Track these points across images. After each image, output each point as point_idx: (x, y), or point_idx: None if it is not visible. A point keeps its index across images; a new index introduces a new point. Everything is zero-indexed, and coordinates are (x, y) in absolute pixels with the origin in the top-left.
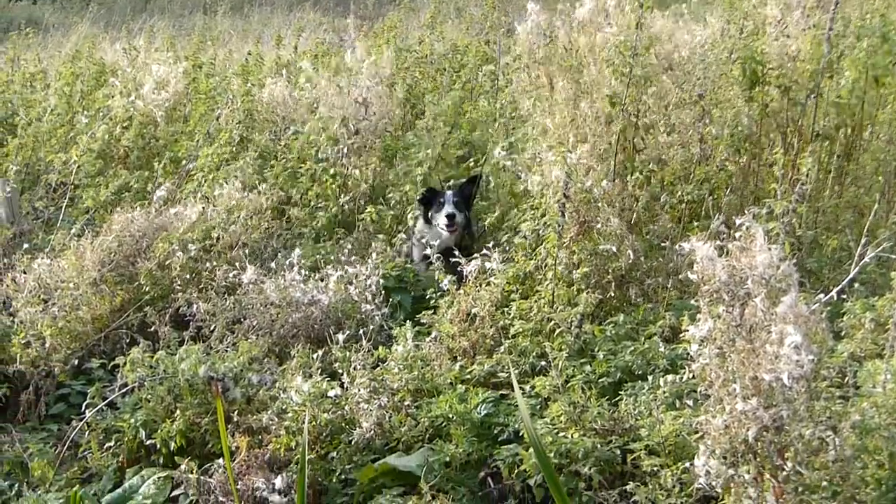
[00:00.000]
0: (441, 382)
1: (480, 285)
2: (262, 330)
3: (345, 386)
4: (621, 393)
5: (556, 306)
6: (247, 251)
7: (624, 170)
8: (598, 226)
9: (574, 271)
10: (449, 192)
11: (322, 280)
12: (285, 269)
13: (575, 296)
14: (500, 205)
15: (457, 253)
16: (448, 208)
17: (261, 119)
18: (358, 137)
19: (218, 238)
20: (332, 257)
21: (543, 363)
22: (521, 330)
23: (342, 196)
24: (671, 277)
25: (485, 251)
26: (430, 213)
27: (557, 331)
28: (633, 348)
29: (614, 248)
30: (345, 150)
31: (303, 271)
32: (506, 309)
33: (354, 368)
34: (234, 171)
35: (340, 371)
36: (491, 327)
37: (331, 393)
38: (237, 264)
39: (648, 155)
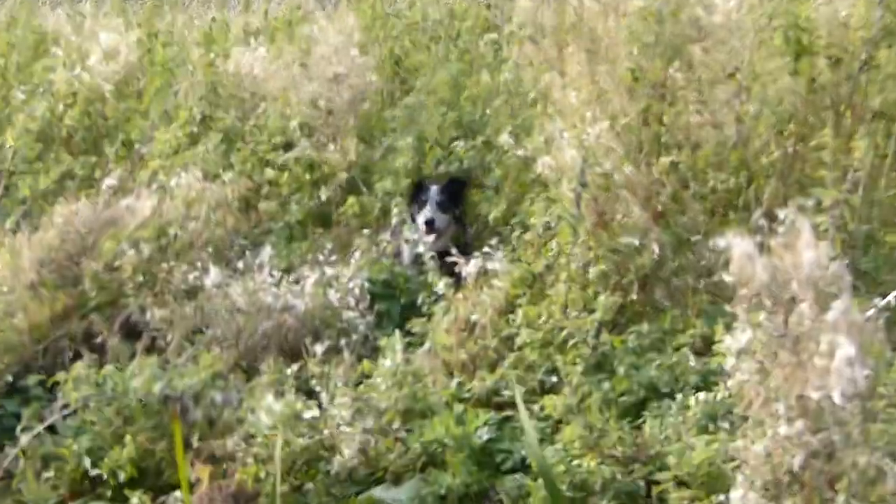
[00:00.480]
0: (435, 402)
1: (481, 289)
2: (227, 341)
3: (323, 406)
4: (645, 414)
5: (569, 312)
6: (210, 250)
7: (649, 153)
8: (619, 217)
9: (590, 269)
10: (433, 189)
11: (297, 283)
12: (254, 270)
13: (591, 300)
14: (507, 196)
15: (454, 252)
16: (427, 212)
17: (226, 95)
18: (332, 118)
19: (176, 235)
20: (309, 257)
21: (554, 379)
22: (528, 340)
23: (319, 186)
24: (703, 278)
25: (487, 249)
26: (412, 212)
27: (571, 342)
28: (658, 362)
29: (636, 242)
30: (318, 135)
31: (275, 273)
32: (511, 316)
33: (335, 385)
34: (195, 157)
35: (318, 389)
36: (493, 337)
37: (307, 414)
38: (198, 265)
39: (677, 137)
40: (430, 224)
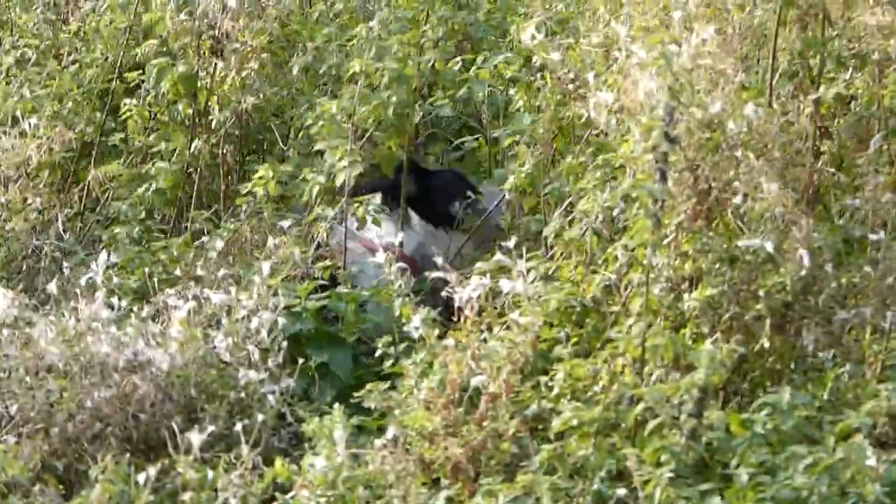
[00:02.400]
0: None
1: (489, 329)
2: (28, 424)
3: None
4: None
5: (647, 371)
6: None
7: (792, 81)
8: (737, 200)
9: (685, 295)
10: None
11: (157, 319)
12: (79, 294)
13: (688, 349)
14: (534, 155)
15: (441, 264)
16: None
17: None
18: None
19: None
20: (181, 268)
21: (623, 492)
22: (574, 423)
23: (199, 135)
24: (890, 309)
25: (499, 254)
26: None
27: (652, 424)
28: (810, 461)
29: (770, 247)
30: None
31: (117, 300)
32: (543, 379)
33: None
34: None
35: None
36: (511, 418)
37: None
38: None
39: (841, 49)
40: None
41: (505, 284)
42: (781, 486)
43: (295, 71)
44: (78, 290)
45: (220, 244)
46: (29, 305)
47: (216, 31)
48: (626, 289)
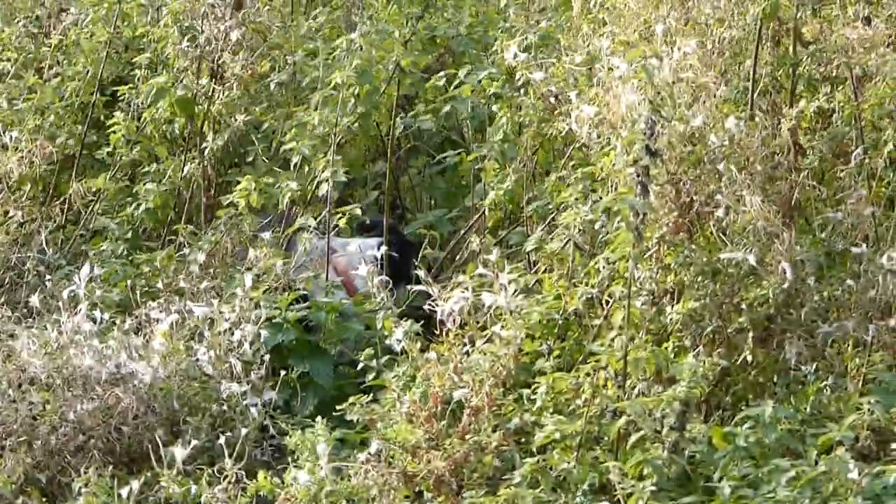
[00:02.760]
0: None
1: (472, 343)
2: (11, 437)
3: None
4: None
5: (630, 385)
6: None
7: (773, 94)
8: (719, 213)
9: (668, 308)
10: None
11: (140, 332)
12: (62, 308)
13: (670, 362)
14: (517, 170)
15: (423, 277)
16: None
17: None
18: (209, 22)
19: None
20: (163, 281)
21: None
22: (556, 436)
23: (187, 150)
24: (872, 322)
25: (480, 267)
26: None
27: (634, 437)
28: (792, 474)
29: (752, 259)
30: (191, 56)
31: (100, 313)
32: (526, 392)
33: None
34: None
35: None
36: (494, 431)
37: None
38: None
39: (822, 64)
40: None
41: (487, 298)
42: (764, 500)
43: (272, 87)
44: (61, 303)
45: (201, 257)
46: (11, 318)
47: (216, 57)
48: (607, 302)
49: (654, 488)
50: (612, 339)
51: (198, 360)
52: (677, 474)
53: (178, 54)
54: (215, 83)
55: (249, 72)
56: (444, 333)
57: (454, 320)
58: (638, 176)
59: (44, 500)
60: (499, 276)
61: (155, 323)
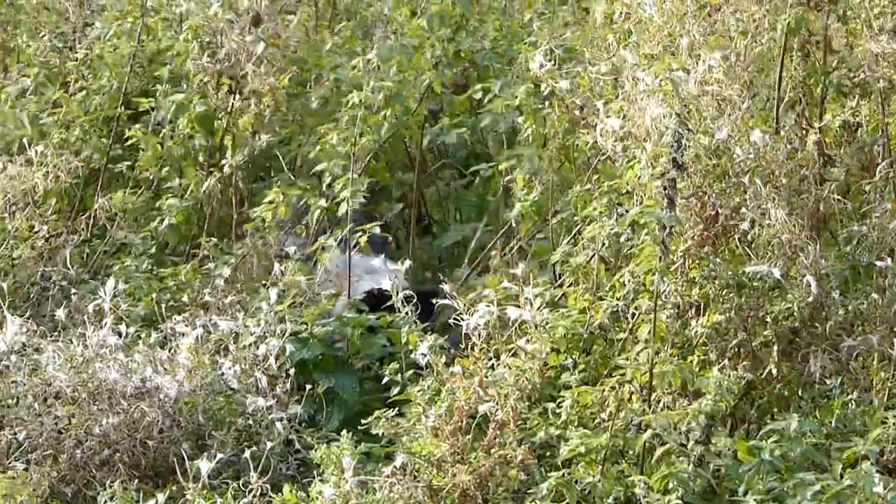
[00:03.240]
0: None
1: (496, 356)
2: (37, 451)
3: None
4: None
5: (654, 398)
6: (3, 286)
7: (796, 109)
8: (744, 226)
9: (692, 322)
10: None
11: (165, 346)
12: (87, 322)
13: (696, 376)
14: (542, 181)
15: (446, 291)
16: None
17: (32, 12)
18: (234, 39)
19: None
20: (189, 296)
21: None
22: (580, 450)
23: (213, 165)
24: None
25: (505, 281)
26: None
27: (659, 451)
28: (817, 488)
29: (777, 273)
30: (211, 71)
31: (125, 327)
32: (551, 406)
33: None
34: None
35: None
36: (519, 444)
37: None
38: None
39: (848, 76)
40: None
41: (512, 312)
42: None
43: (314, 105)
44: (86, 317)
45: (227, 271)
46: (37, 332)
47: (237, 73)
48: (633, 315)
49: (679, 502)
50: (638, 353)
51: (223, 374)
52: (703, 488)
53: (198, 69)
54: (234, 98)
55: (268, 87)
56: (469, 347)
57: (479, 334)
58: (665, 189)
59: None
60: (524, 289)
61: (180, 337)
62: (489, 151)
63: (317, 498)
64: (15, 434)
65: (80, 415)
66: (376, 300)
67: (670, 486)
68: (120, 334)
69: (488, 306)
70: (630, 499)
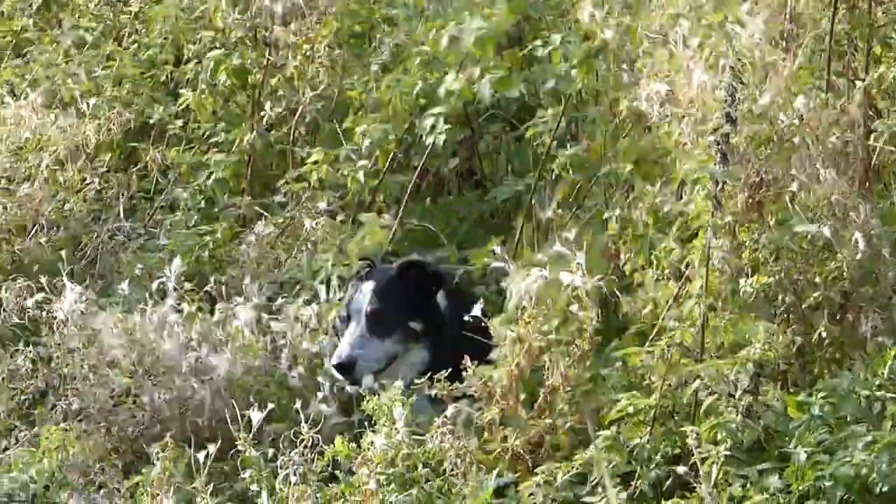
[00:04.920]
0: None
1: (547, 320)
2: (90, 419)
3: None
4: None
5: (708, 343)
6: (58, 238)
7: (845, 61)
8: (793, 187)
9: (740, 282)
10: (367, 286)
11: (222, 324)
12: (151, 289)
13: (746, 329)
14: (593, 136)
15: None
16: (346, 341)
17: None
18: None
19: None
20: (227, 253)
21: (681, 469)
22: (630, 410)
23: (256, 128)
24: None
25: (558, 244)
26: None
27: (709, 399)
28: (869, 438)
29: (828, 232)
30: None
31: (184, 303)
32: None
33: (285, 482)
34: (27, 70)
35: (255, 487)
36: (570, 407)
37: None
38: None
39: (889, 31)
40: (341, 367)
41: (564, 277)
42: (840, 464)
43: (373, 68)
44: (149, 285)
45: (266, 229)
46: (97, 301)
47: (271, 27)
48: (683, 276)
49: (728, 453)
50: (690, 309)
51: (277, 356)
52: (752, 441)
53: (232, 25)
54: (269, 54)
55: (304, 38)
56: (520, 312)
57: (531, 298)
58: (718, 144)
59: (120, 469)
60: (576, 255)
61: (232, 314)
62: (542, 104)
63: (368, 448)
64: (69, 403)
65: (134, 387)
66: None
67: (719, 437)
68: (180, 311)
69: (540, 270)
70: (678, 456)
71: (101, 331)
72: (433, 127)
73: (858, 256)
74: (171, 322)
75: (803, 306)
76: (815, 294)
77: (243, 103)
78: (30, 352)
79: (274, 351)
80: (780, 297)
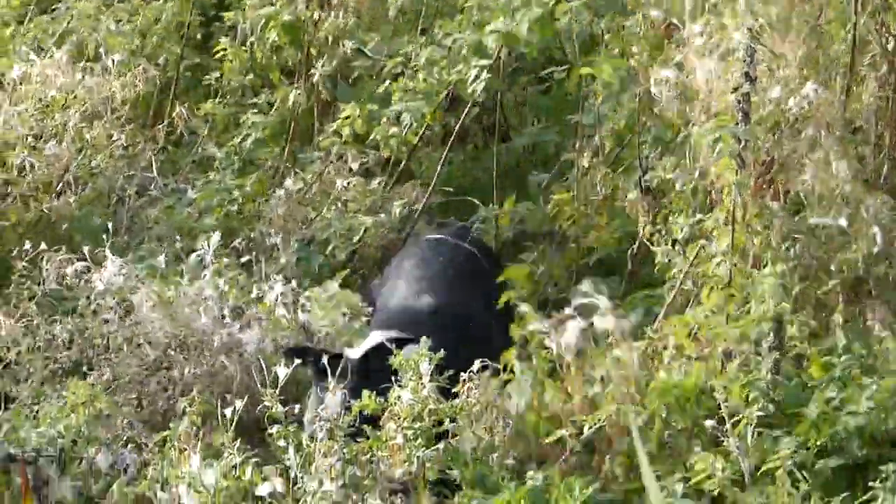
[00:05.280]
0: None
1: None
2: (121, 389)
3: (294, 475)
4: (874, 487)
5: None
6: (85, 196)
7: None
8: (806, 178)
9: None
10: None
11: (245, 289)
12: (186, 259)
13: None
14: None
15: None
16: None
17: None
18: None
19: (22, 170)
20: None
21: (710, 422)
22: (669, 385)
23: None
24: None
25: (586, 285)
26: None
27: (736, 361)
28: (877, 387)
29: (844, 222)
30: None
31: (209, 262)
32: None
33: (311, 438)
34: (54, 26)
35: (282, 442)
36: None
37: (262, 489)
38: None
39: None
40: None
41: (599, 322)
42: (852, 417)
43: (391, 13)
44: (182, 253)
45: (294, 185)
46: (138, 276)
47: None
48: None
49: (761, 413)
50: (717, 265)
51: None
52: (771, 404)
53: None
54: (322, 9)
55: None
56: (563, 368)
57: (571, 352)
58: (739, 103)
59: (149, 427)
60: (601, 299)
61: (263, 290)
62: (567, 57)
63: (395, 402)
64: (101, 375)
65: (166, 361)
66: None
67: (751, 396)
68: (216, 287)
69: (577, 320)
70: (704, 420)
71: (137, 303)
72: (476, 77)
73: (876, 249)
74: (207, 297)
75: (818, 292)
76: (828, 283)
77: (291, 58)
78: (68, 322)
79: (304, 328)
80: (793, 283)
